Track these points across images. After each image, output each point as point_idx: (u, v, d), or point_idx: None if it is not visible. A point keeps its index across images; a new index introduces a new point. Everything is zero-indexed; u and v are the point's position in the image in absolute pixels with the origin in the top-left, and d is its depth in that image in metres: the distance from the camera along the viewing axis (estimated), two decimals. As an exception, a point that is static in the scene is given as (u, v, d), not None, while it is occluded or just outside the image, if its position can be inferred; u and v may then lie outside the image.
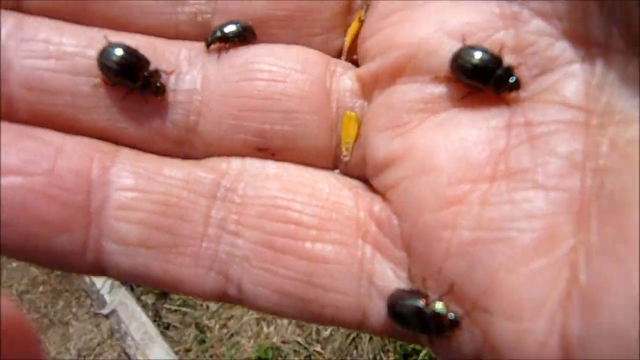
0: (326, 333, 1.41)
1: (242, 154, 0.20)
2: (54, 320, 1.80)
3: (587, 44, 0.19)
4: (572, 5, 0.19)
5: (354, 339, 1.35)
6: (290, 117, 0.20)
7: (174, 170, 0.19)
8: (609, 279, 0.14)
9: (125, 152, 0.19)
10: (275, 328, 1.48)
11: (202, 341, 1.53)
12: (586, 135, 0.17)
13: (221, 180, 0.19)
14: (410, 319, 0.15)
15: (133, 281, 0.20)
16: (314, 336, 1.42)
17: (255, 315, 1.52)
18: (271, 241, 0.18)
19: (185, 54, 0.22)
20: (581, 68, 0.19)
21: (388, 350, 1.31)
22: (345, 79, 0.22)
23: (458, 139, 0.18)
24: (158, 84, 0.22)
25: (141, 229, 0.17)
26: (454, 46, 0.20)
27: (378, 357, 1.30)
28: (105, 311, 1.72)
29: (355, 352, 1.35)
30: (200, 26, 0.22)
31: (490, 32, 0.20)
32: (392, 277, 0.18)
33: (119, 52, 0.22)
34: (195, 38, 0.23)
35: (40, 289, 1.90)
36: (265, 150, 0.19)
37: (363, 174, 0.21)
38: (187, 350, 1.56)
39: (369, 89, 0.22)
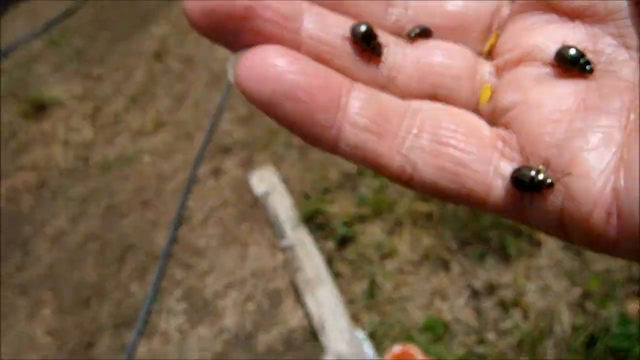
0: (505, 325, 1.34)
1: (420, 96, 0.29)
2: (236, 240, 1.95)
3: (638, 51, 0.29)
4: (630, 27, 0.30)
5: (537, 338, 1.27)
6: (453, 80, 0.31)
7: (385, 96, 0.28)
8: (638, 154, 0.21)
9: (360, 84, 0.29)
10: (449, 305, 1.45)
11: (371, 296, 1.55)
12: (632, 93, 0.25)
13: (411, 106, 0.28)
14: (524, 182, 0.22)
15: (352, 154, 0.26)
16: (490, 323, 1.36)
17: (431, 288, 1.50)
18: (438, 139, 0.26)
19: (394, 39, 0.34)
20: (633, 63, 0.28)
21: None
22: (485, 66, 0.33)
23: (555, 92, 0.29)
24: (378, 50, 0.33)
25: (366, 121, 0.25)
26: (557, 47, 0.33)
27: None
28: (284, 244, 1.82)
29: (535, 352, 1.26)
30: (396, 28, 0.35)
31: (580, 41, 0.31)
32: (509, 168, 0.25)
33: (362, 26, 0.34)
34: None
35: (230, 209, 2.07)
36: (435, 98, 0.29)
37: (488, 118, 0.30)
38: (353, 301, 1.58)
39: (500, 71, 0.33)
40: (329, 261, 1.71)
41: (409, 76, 0.31)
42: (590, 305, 1.26)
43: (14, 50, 3.81)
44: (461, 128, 0.26)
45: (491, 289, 1.40)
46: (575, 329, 1.24)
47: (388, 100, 0.28)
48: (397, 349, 0.69)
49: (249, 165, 2.21)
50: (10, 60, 3.75)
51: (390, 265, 1.60)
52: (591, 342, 1.20)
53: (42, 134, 3.05)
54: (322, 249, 1.74)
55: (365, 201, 1.72)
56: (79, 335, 1.89)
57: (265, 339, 1.62)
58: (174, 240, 2.03)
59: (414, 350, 0.66)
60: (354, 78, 0.30)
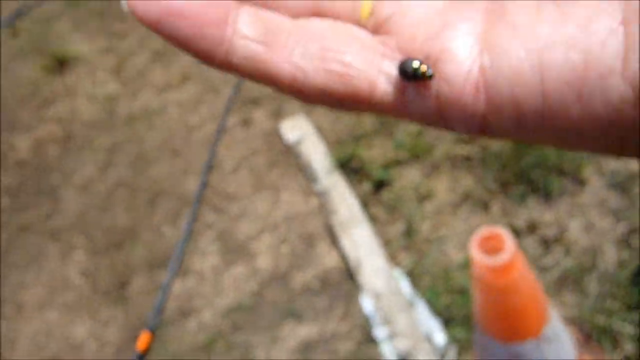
0: (547, 261, 1.34)
1: (305, 14, 0.28)
2: (268, 185, 1.95)
3: None
4: None
5: (580, 274, 1.27)
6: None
7: (273, 14, 0.28)
8: (498, 33, 0.21)
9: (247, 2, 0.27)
10: (488, 244, 1.45)
11: (409, 236, 1.56)
12: None
13: (298, 21, 0.27)
14: (408, 73, 0.23)
15: (244, 67, 0.27)
16: (530, 260, 1.36)
17: (470, 228, 1.50)
18: (325, 47, 0.26)
19: None
20: None
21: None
22: None
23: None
24: None
25: (255, 33, 0.26)
26: None
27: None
28: (318, 188, 1.82)
29: (578, 287, 1.27)
30: None
31: None
32: (391, 65, 0.25)
33: None
34: None
35: (261, 157, 2.07)
36: (319, 13, 0.28)
37: (371, 30, 0.28)
38: (389, 243, 1.59)
39: None
40: (364, 205, 1.71)
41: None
42: (636, 241, 1.25)
43: (30, 9, 3.79)
44: (345, 36, 0.27)
45: (532, 227, 1.40)
46: (620, 264, 1.23)
47: (276, 17, 0.28)
48: (485, 232, 0.68)
49: (278, 115, 2.20)
50: (28, 19, 3.73)
51: (428, 207, 1.60)
52: (637, 276, 1.20)
53: (66, 88, 3.05)
54: (357, 193, 1.75)
55: (402, 146, 1.71)
56: (113, 275, 1.92)
57: (300, 279, 1.64)
58: (205, 186, 2.04)
59: (504, 234, 0.65)
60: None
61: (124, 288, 1.86)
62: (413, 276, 1.49)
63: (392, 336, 1.40)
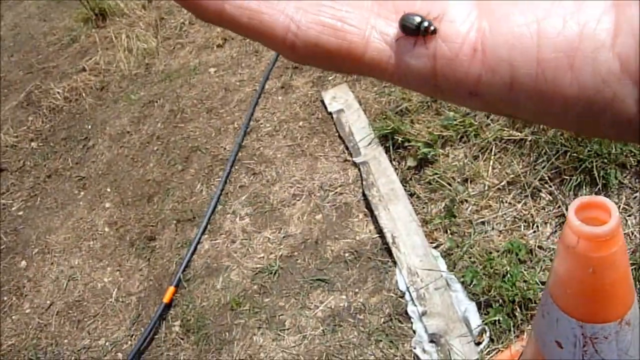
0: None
1: None
2: (306, 152, 1.91)
3: None
4: None
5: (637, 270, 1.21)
6: None
7: None
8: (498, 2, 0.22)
9: None
10: (534, 232, 1.40)
11: (450, 216, 1.51)
12: None
13: None
14: (411, 28, 0.23)
15: (239, 17, 0.26)
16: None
17: (516, 214, 1.45)
18: (319, 1, 0.25)
19: None
20: None
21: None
22: None
23: None
24: None
25: None
26: None
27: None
28: (357, 160, 1.78)
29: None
30: None
31: None
32: (385, 24, 0.24)
33: None
34: None
35: (300, 123, 2.03)
36: None
37: None
38: (428, 222, 1.55)
39: None
40: (405, 181, 1.66)
41: None
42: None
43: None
44: None
45: (583, 219, 1.34)
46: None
47: None
48: (585, 199, 0.64)
49: (320, 84, 2.15)
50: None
51: (472, 189, 1.54)
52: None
53: (104, 41, 3.02)
54: (398, 168, 1.70)
55: (451, 124, 1.66)
56: (141, 228, 1.90)
57: (333, 248, 1.60)
58: (240, 147, 2.01)
59: (608, 203, 0.61)
60: None
61: (151, 241, 1.84)
62: (451, 257, 1.45)
63: (425, 314, 1.36)
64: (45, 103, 2.73)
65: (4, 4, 3.85)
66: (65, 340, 1.70)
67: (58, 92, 2.76)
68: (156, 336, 1.60)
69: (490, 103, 0.23)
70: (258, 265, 1.63)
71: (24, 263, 1.98)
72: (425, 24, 0.24)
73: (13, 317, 1.81)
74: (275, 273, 1.59)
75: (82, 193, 2.17)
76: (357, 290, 1.49)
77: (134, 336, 1.63)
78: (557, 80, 0.20)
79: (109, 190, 2.12)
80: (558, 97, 0.20)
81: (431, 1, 0.25)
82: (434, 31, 0.23)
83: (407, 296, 1.42)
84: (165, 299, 1.62)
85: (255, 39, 0.27)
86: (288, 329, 1.47)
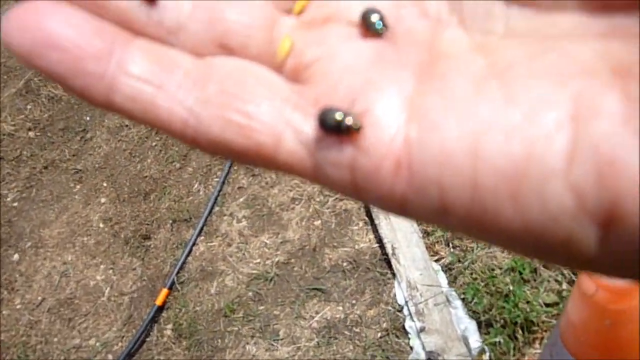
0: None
1: (212, 52, 0.26)
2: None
3: (437, 21, 0.26)
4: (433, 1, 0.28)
5: None
6: (245, 28, 0.27)
7: (171, 50, 0.25)
8: (431, 103, 0.19)
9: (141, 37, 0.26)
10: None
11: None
12: (427, 52, 0.24)
13: (199, 61, 0.25)
14: (329, 125, 0.20)
15: (130, 109, 0.24)
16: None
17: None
18: (225, 91, 0.23)
19: None
20: (430, 30, 0.26)
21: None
22: (289, 20, 0.29)
23: (355, 48, 0.26)
24: None
25: (144, 69, 0.23)
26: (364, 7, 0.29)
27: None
28: (359, 165, 1.74)
29: None
30: None
31: (385, 7, 0.27)
32: (302, 121, 0.22)
33: None
34: None
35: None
36: (226, 48, 0.26)
37: (288, 75, 0.27)
38: (430, 233, 1.51)
39: (305, 27, 0.29)
40: (407, 189, 1.62)
41: (199, 22, 0.27)
42: None
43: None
44: (253, 79, 0.24)
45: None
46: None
47: (172, 52, 0.25)
48: None
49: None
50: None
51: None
52: None
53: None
54: (400, 176, 1.66)
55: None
56: (136, 225, 1.86)
57: (331, 256, 1.56)
58: (240, 147, 1.97)
59: None
60: (135, 25, 0.27)
61: (146, 240, 1.81)
62: (452, 271, 1.41)
63: (423, 331, 1.32)
64: (44, 92, 2.69)
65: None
66: (55, 339, 1.67)
67: (58, 81, 2.72)
68: (147, 339, 1.57)
69: (425, 221, 0.19)
70: (254, 271, 1.59)
71: (16, 256, 1.95)
72: (347, 121, 0.20)
73: (4, 312, 1.78)
74: (271, 280, 1.55)
75: (78, 186, 2.14)
76: (354, 301, 1.45)
77: (124, 338, 1.60)
78: (497, 211, 0.16)
79: (105, 184, 2.08)
80: (499, 229, 0.16)
81: (355, 95, 0.22)
82: (359, 129, 0.20)
83: (405, 310, 1.38)
84: (158, 302, 1.59)
85: (154, 129, 0.24)
86: (282, 339, 1.43)
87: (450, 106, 0.19)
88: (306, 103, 0.24)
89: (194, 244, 1.71)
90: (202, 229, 1.74)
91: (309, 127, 0.21)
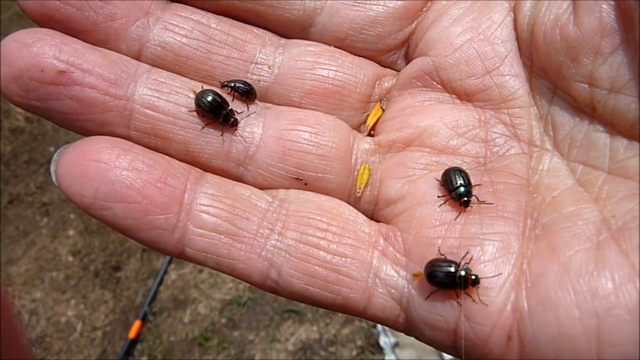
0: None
1: (284, 184, 0.26)
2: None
3: (529, 144, 0.30)
4: (523, 117, 0.30)
5: None
6: (322, 160, 0.28)
7: (243, 188, 0.25)
8: (543, 269, 0.20)
9: (210, 175, 0.25)
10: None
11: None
12: (527, 193, 0.26)
13: (274, 200, 0.25)
14: (440, 278, 0.20)
15: (203, 261, 0.24)
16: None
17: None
18: (306, 240, 0.23)
19: (253, 106, 0.30)
20: (525, 158, 0.29)
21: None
22: (364, 142, 0.31)
23: None
24: (232, 120, 0.29)
25: (216, 220, 0.23)
26: (448, 133, 0.32)
27: None
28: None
29: None
30: (261, 90, 0.32)
31: (471, 128, 0.30)
32: (393, 273, 0.23)
33: (209, 95, 0.30)
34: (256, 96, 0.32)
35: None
36: (300, 181, 0.25)
37: (367, 208, 0.28)
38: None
39: (383, 151, 0.31)
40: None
41: (270, 153, 0.26)
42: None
43: None
44: (334, 224, 0.23)
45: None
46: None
47: (245, 192, 0.25)
48: None
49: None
50: None
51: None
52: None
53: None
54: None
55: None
56: (105, 257, 1.83)
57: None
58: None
59: None
60: (201, 157, 0.26)
61: (116, 271, 1.78)
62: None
63: (397, 346, 1.33)
64: (6, 124, 2.63)
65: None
66: (27, 380, 1.63)
67: (19, 113, 2.67)
68: (122, 374, 1.54)
69: None
70: (226, 297, 1.58)
71: (-17, 297, 1.90)
72: (463, 272, 0.20)
73: (-28, 356, 1.73)
74: (244, 305, 1.54)
75: (44, 220, 2.10)
76: (328, 321, 1.45)
77: (99, 374, 1.57)
78: None
79: (72, 216, 2.05)
80: None
81: (456, 251, 0.22)
82: (477, 281, 0.19)
83: (379, 327, 1.39)
84: (131, 334, 1.57)
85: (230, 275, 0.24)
86: (258, 364, 1.42)
87: (567, 280, 0.17)
88: (397, 253, 0.22)
89: (165, 273, 1.69)
90: (172, 257, 1.72)
91: (402, 282, 0.20)
